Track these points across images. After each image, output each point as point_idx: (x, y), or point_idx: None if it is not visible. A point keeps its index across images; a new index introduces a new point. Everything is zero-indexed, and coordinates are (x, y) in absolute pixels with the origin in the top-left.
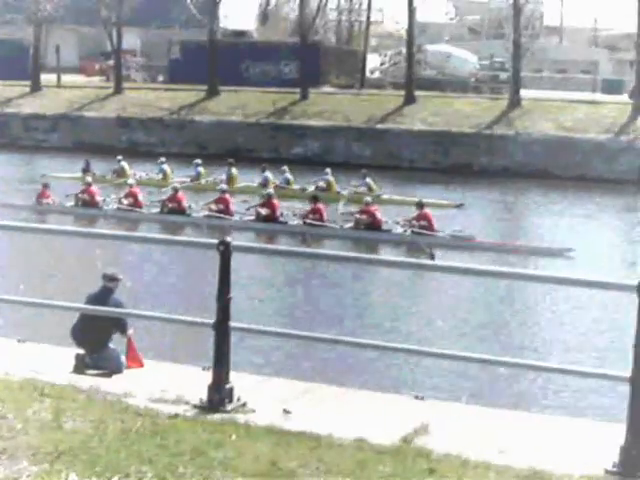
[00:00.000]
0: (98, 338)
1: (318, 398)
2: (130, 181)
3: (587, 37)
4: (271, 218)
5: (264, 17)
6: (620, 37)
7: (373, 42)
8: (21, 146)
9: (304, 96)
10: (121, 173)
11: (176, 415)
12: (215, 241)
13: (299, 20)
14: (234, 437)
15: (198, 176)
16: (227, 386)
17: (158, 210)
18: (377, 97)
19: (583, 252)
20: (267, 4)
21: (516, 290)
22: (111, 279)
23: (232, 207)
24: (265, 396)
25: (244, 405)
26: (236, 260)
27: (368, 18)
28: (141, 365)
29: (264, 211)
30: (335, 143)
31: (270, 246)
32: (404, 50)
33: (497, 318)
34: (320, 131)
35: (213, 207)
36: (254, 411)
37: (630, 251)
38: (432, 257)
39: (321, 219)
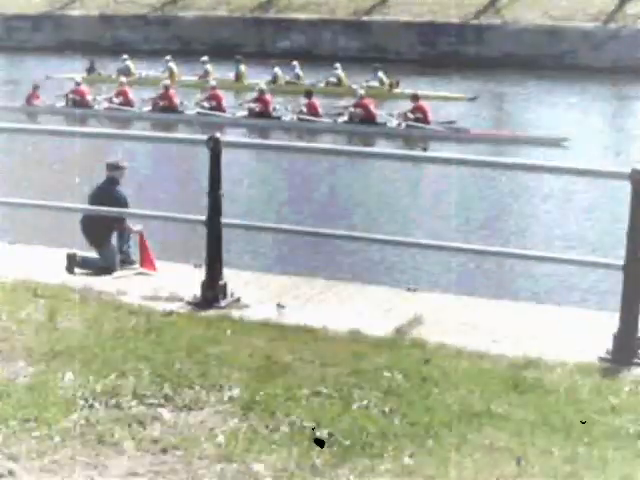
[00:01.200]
0: (100, 232)
1: (311, 292)
2: (121, 79)
3: None
4: (264, 114)
5: None
6: None
7: None
8: (4, 47)
9: None
10: (127, 72)
11: (171, 312)
12: (204, 137)
13: None
14: (229, 332)
15: (206, 74)
16: (220, 282)
17: (149, 108)
18: None
19: (577, 141)
20: None
21: (511, 180)
22: (115, 167)
23: (224, 103)
24: (259, 292)
25: (238, 301)
26: (228, 156)
27: None
28: (154, 269)
29: (257, 107)
30: (321, 36)
31: (259, 141)
32: None
33: (491, 208)
34: (306, 24)
35: (205, 104)
36: (248, 306)
37: (622, 140)
38: (424, 150)
39: (315, 114)
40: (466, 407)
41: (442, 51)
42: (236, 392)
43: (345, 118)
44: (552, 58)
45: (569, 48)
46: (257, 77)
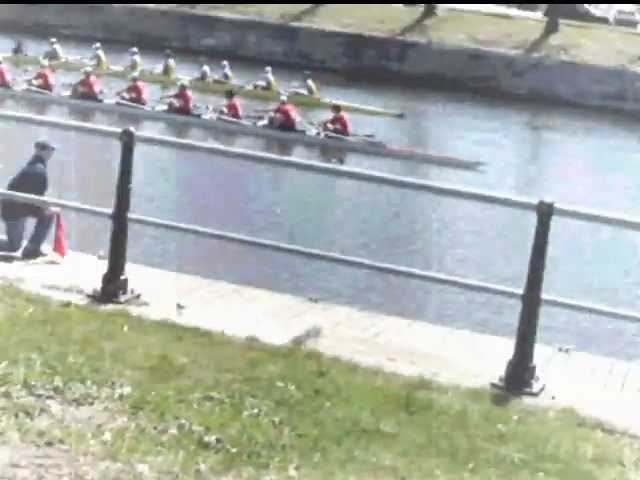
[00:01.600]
0: (12, 210)
1: (213, 294)
2: (43, 62)
3: None
4: (184, 110)
5: None
6: None
7: None
8: None
9: None
10: (54, 56)
11: (68, 304)
12: (118, 130)
13: None
14: (126, 329)
15: (134, 65)
16: (121, 277)
17: (69, 94)
18: None
19: (492, 166)
20: None
21: (419, 201)
22: (42, 147)
23: (145, 96)
24: (160, 290)
25: (138, 297)
26: (147, 150)
27: None
28: (62, 254)
29: (177, 102)
30: (247, 37)
31: (175, 139)
32: None
33: (401, 226)
34: (232, 24)
35: (125, 95)
36: (148, 304)
37: (535, 169)
38: (341, 162)
39: (236, 115)
40: (356, 423)
41: (366, 64)
42: (127, 390)
43: (265, 122)
44: (474, 81)
45: (491, 73)
46: (186, 73)
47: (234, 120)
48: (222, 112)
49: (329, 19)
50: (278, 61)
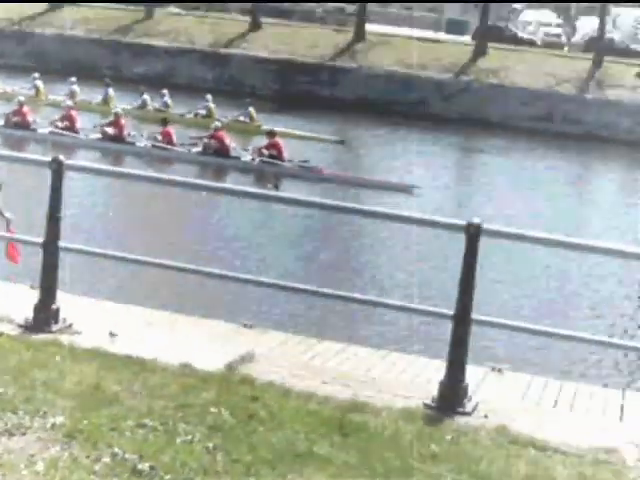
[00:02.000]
0: None
1: (146, 322)
2: (20, 98)
3: None
4: (118, 138)
5: None
6: None
7: None
8: None
9: (149, 15)
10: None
11: (0, 334)
12: (47, 159)
13: None
14: (58, 358)
15: (72, 94)
16: (53, 306)
17: (2, 123)
18: (223, 21)
19: (426, 189)
20: None
21: (353, 225)
22: None
23: (78, 124)
24: (93, 318)
25: (70, 326)
26: (76, 180)
27: None
28: (16, 261)
29: (111, 130)
30: (178, 65)
31: (105, 167)
32: None
33: (335, 250)
34: (163, 52)
35: (59, 124)
36: (80, 333)
37: (467, 191)
38: (276, 187)
39: (170, 142)
40: (290, 447)
41: (297, 90)
42: (60, 419)
43: (199, 149)
44: (405, 105)
45: (421, 97)
46: (126, 102)
47: (168, 147)
48: (156, 139)
49: (260, 45)
50: (209, 88)
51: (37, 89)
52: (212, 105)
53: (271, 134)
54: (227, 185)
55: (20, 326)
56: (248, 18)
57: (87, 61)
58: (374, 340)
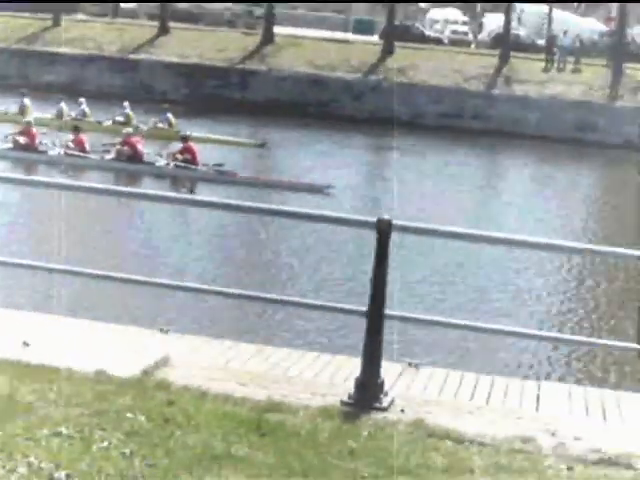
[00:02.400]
0: None
1: (59, 330)
2: None
3: None
4: (30, 147)
5: None
6: None
7: None
8: None
9: (56, 22)
10: None
11: None
12: None
13: None
14: None
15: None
16: None
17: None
18: (131, 27)
19: (340, 189)
20: None
21: (268, 226)
22: None
23: None
24: (5, 328)
25: None
26: None
27: None
28: None
29: (22, 139)
30: (87, 72)
31: (13, 175)
32: None
33: (246, 253)
34: (71, 59)
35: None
36: None
37: (381, 188)
38: (191, 192)
39: (83, 150)
40: (207, 449)
41: (207, 93)
42: None
43: (112, 155)
44: (315, 106)
45: (331, 97)
46: (43, 111)
47: (81, 155)
48: (68, 147)
49: (169, 50)
50: (119, 94)
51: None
52: (130, 112)
53: (184, 138)
54: (142, 190)
55: None
56: (156, 23)
57: None
58: (291, 340)
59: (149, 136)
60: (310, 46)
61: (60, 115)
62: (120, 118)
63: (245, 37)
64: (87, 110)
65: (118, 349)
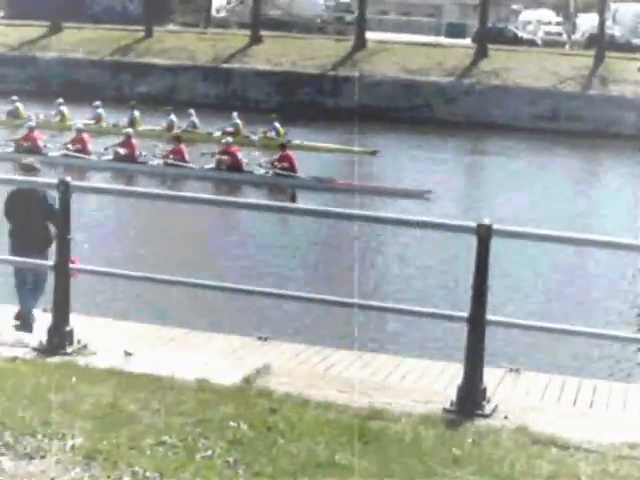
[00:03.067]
0: (43, 237)
1: (161, 340)
2: (31, 123)
3: None
4: (130, 158)
5: None
6: None
7: None
8: None
9: (149, 34)
10: (16, 114)
11: (15, 358)
12: (54, 181)
13: None
14: (74, 380)
15: (99, 118)
16: (67, 328)
17: (12, 149)
18: (223, 36)
19: (440, 194)
20: None
21: (363, 232)
22: (32, 168)
23: (90, 147)
24: (107, 338)
25: (85, 347)
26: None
27: None
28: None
29: (122, 150)
30: (180, 82)
31: (111, 186)
32: None
33: (349, 260)
34: (164, 70)
35: (70, 146)
36: (95, 353)
37: (479, 192)
38: (293, 199)
39: (182, 159)
40: (311, 457)
41: (300, 101)
42: (79, 441)
43: (212, 165)
44: (409, 111)
45: (424, 102)
46: (154, 123)
47: (181, 165)
48: (167, 157)
49: (261, 59)
50: (212, 104)
51: (62, 114)
52: (239, 122)
53: (282, 146)
54: (242, 199)
55: (35, 350)
56: (248, 32)
57: (88, 83)
58: (391, 347)
59: (259, 146)
60: (402, 51)
61: (171, 127)
62: (230, 129)
63: (337, 43)
64: (197, 121)
65: (219, 357)
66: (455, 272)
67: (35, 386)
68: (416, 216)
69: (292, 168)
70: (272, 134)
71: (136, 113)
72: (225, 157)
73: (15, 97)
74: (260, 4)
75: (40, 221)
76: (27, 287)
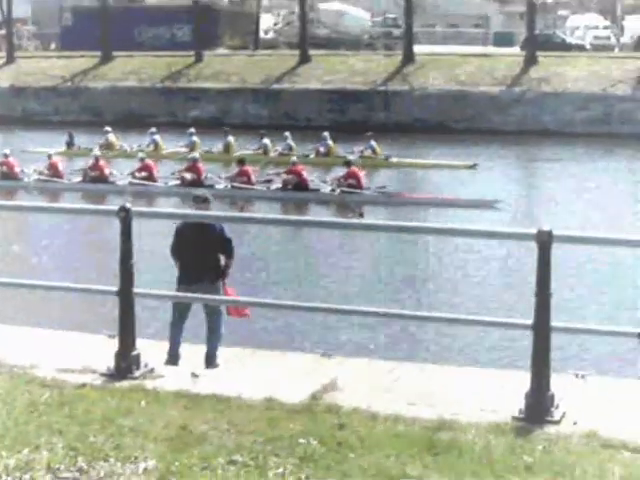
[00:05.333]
0: (215, 268)
1: (226, 360)
2: (96, 153)
3: None
4: (197, 182)
5: None
6: None
7: (266, 2)
8: None
9: (199, 58)
10: (109, 145)
11: (84, 384)
12: (115, 208)
13: None
14: (143, 403)
15: (193, 145)
16: (134, 353)
17: (80, 179)
18: (272, 57)
19: (509, 203)
20: None
21: (434, 244)
22: (204, 200)
23: (156, 173)
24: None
25: (152, 371)
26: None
27: None
28: (246, 314)
29: (189, 175)
30: (232, 105)
31: (173, 210)
32: (297, 9)
33: (413, 273)
34: (216, 93)
35: (137, 174)
36: (162, 376)
37: (541, 200)
38: (361, 215)
39: (249, 182)
40: (382, 471)
41: (352, 118)
42: (151, 463)
43: (278, 185)
44: (461, 122)
45: (476, 112)
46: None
47: (247, 187)
48: (234, 180)
49: (311, 77)
50: (265, 125)
51: (156, 144)
52: (331, 143)
53: (347, 163)
54: (311, 218)
55: (103, 375)
56: (297, 52)
57: (141, 110)
58: (454, 357)
59: (361, 165)
60: (451, 62)
61: (266, 151)
62: (322, 149)
63: (385, 58)
64: (292, 144)
65: (285, 375)
66: (521, 280)
67: (105, 411)
68: (471, 225)
69: (359, 185)
70: (369, 152)
71: (230, 139)
72: (291, 176)
73: (108, 128)
74: (307, 24)
75: (213, 252)
76: (182, 322)
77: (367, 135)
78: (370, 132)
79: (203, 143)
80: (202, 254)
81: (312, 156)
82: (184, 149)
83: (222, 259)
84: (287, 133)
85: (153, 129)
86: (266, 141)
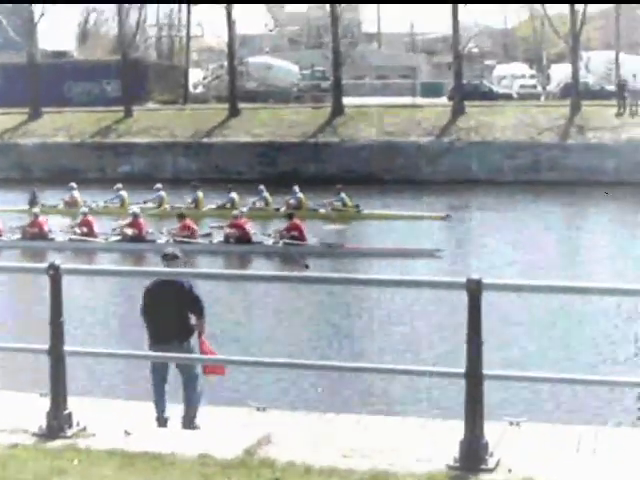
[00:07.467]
0: (183, 327)
1: (155, 417)
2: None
3: (405, 42)
4: (138, 238)
5: (84, 36)
6: (436, 40)
7: (195, 56)
8: None
9: (128, 114)
10: (73, 202)
11: (15, 444)
12: (44, 266)
13: (119, 38)
14: (76, 462)
15: (161, 201)
16: (65, 412)
17: (19, 236)
18: (201, 111)
19: (451, 252)
20: (86, 23)
21: (363, 294)
22: (173, 257)
23: (96, 229)
24: (105, 419)
25: (84, 429)
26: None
27: (188, 33)
28: (222, 372)
29: (130, 231)
30: (162, 159)
31: (104, 267)
32: (226, 63)
33: (348, 323)
34: (146, 148)
35: (77, 230)
36: (95, 435)
37: (479, 249)
38: (307, 267)
39: (192, 236)
40: None
41: (282, 170)
42: None
43: (220, 239)
44: (390, 173)
45: (406, 162)
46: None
47: (190, 240)
48: (175, 233)
49: (241, 131)
50: (195, 178)
51: (122, 200)
52: (302, 196)
53: (289, 216)
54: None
55: (35, 435)
56: (226, 105)
57: (71, 166)
58: (389, 408)
59: (327, 218)
60: (380, 113)
61: (233, 204)
62: (293, 202)
63: (315, 111)
64: (268, 197)
65: (218, 430)
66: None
67: (38, 471)
68: (403, 276)
69: (301, 236)
70: (339, 204)
71: (199, 194)
72: (233, 230)
73: (74, 184)
74: (236, 77)
75: (181, 311)
76: (163, 383)
77: (337, 188)
78: (339, 185)
79: (132, 198)
80: (170, 313)
81: (283, 209)
82: (151, 204)
83: (192, 318)
84: (262, 186)
85: (159, 185)
86: (233, 195)
